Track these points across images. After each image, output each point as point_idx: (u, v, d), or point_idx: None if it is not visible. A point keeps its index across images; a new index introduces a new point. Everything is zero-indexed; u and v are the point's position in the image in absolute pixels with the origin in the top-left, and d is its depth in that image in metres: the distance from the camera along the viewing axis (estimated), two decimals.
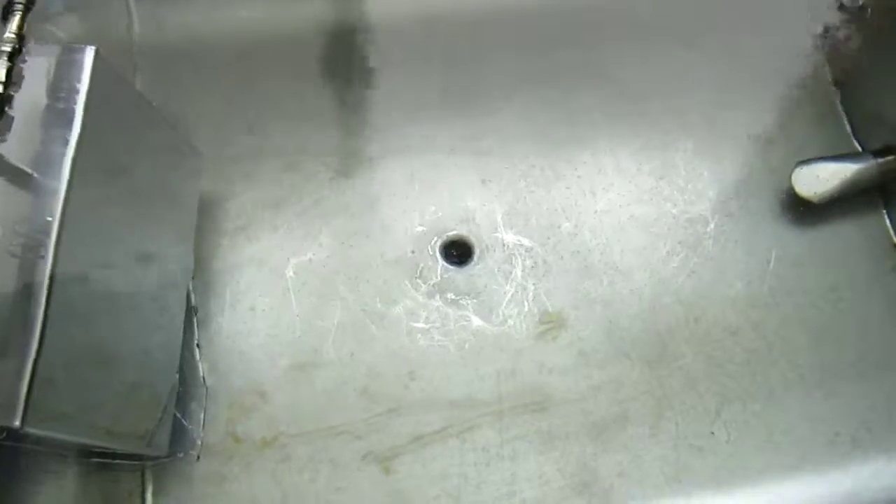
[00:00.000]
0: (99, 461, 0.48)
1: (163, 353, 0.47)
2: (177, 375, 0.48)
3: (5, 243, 0.36)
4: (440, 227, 0.57)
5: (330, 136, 0.60)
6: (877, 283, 0.57)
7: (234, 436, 0.51)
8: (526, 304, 0.55)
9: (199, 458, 0.50)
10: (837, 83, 0.64)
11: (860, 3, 0.64)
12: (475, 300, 0.55)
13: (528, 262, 0.56)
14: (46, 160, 0.38)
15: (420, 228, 0.57)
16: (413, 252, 0.56)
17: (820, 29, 0.65)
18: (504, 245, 0.57)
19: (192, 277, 0.52)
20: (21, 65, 0.37)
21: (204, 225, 0.55)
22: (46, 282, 0.36)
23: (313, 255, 0.56)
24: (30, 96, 0.38)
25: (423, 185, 0.59)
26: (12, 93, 0.37)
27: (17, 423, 0.34)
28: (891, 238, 0.58)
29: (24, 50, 0.38)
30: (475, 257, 0.56)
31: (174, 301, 0.49)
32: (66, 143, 0.38)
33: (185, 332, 0.50)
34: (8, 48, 0.37)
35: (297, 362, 0.53)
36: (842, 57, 0.64)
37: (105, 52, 0.40)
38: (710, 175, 0.60)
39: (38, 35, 0.39)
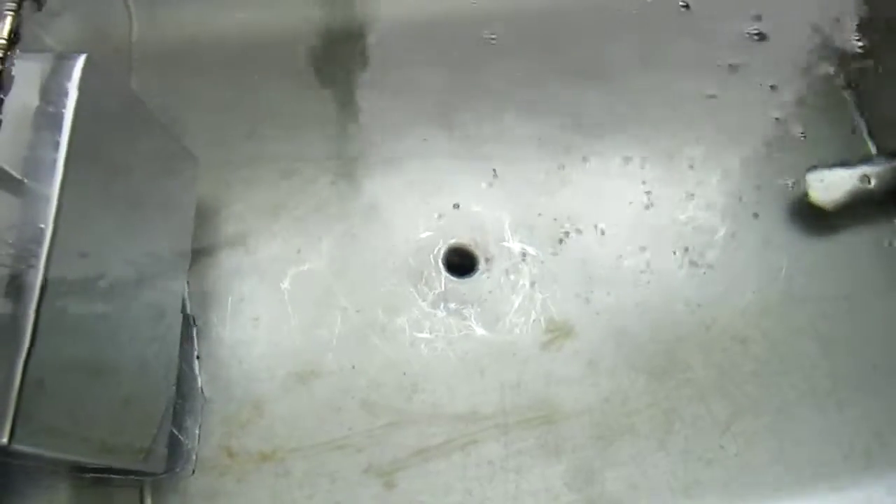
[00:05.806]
0: (95, 477, 0.47)
1: (159, 365, 0.46)
2: (173, 388, 0.47)
3: None
4: (444, 235, 0.56)
5: (330, 140, 0.59)
6: (891, 292, 0.56)
7: (232, 450, 0.49)
8: (532, 313, 0.54)
9: (194, 472, 0.48)
10: (850, 85, 0.62)
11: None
12: (479, 309, 0.54)
13: (534, 270, 0.55)
14: (38, 166, 0.37)
15: (423, 235, 0.56)
16: (416, 260, 0.55)
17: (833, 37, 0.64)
18: (509, 252, 0.56)
19: (189, 286, 0.51)
20: (11, 69, 0.36)
21: (202, 232, 0.54)
22: (37, 293, 0.35)
23: (313, 263, 0.55)
24: (21, 102, 0.37)
25: (426, 190, 0.58)
26: (2, 97, 0.36)
27: (3, 440, 0.33)
28: None
29: (14, 54, 0.36)
30: (480, 265, 0.55)
31: (170, 311, 0.48)
32: (58, 148, 0.37)
33: (183, 344, 0.49)
34: None
35: (297, 373, 0.52)
36: (852, 60, 0.63)
37: (102, 55, 0.40)
38: (719, 181, 0.59)
39: (34, 37, 0.38)
